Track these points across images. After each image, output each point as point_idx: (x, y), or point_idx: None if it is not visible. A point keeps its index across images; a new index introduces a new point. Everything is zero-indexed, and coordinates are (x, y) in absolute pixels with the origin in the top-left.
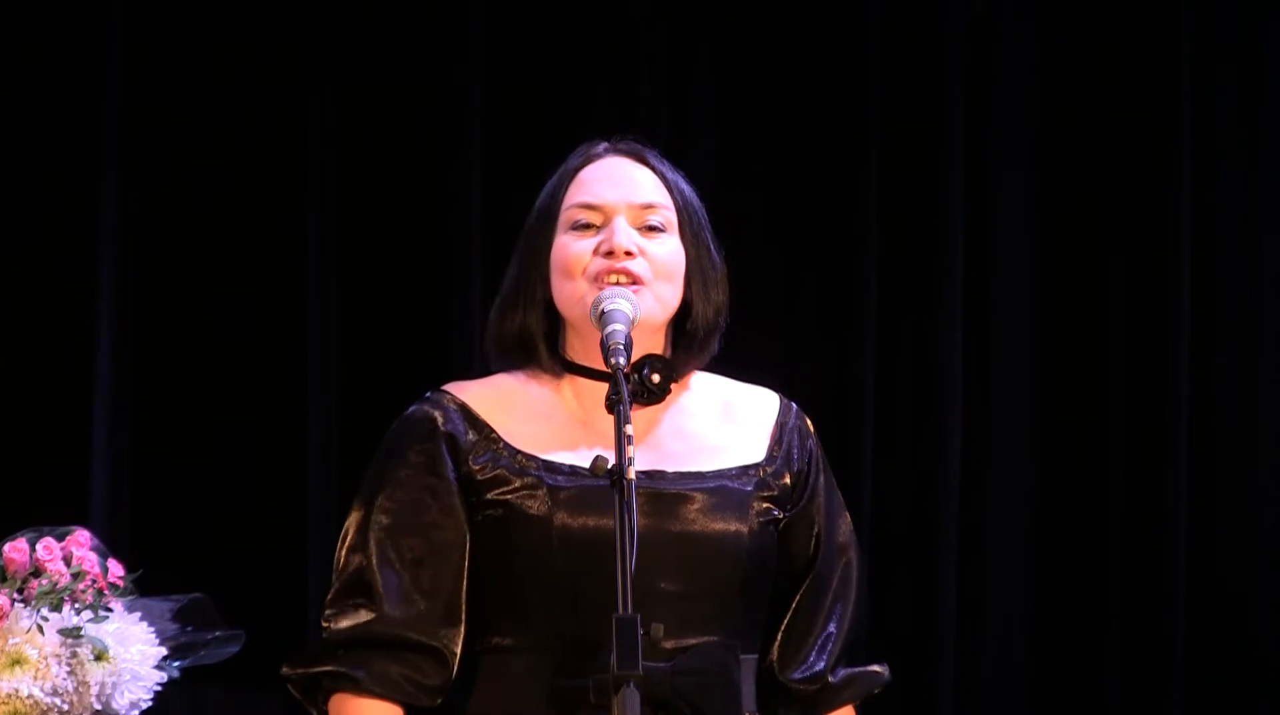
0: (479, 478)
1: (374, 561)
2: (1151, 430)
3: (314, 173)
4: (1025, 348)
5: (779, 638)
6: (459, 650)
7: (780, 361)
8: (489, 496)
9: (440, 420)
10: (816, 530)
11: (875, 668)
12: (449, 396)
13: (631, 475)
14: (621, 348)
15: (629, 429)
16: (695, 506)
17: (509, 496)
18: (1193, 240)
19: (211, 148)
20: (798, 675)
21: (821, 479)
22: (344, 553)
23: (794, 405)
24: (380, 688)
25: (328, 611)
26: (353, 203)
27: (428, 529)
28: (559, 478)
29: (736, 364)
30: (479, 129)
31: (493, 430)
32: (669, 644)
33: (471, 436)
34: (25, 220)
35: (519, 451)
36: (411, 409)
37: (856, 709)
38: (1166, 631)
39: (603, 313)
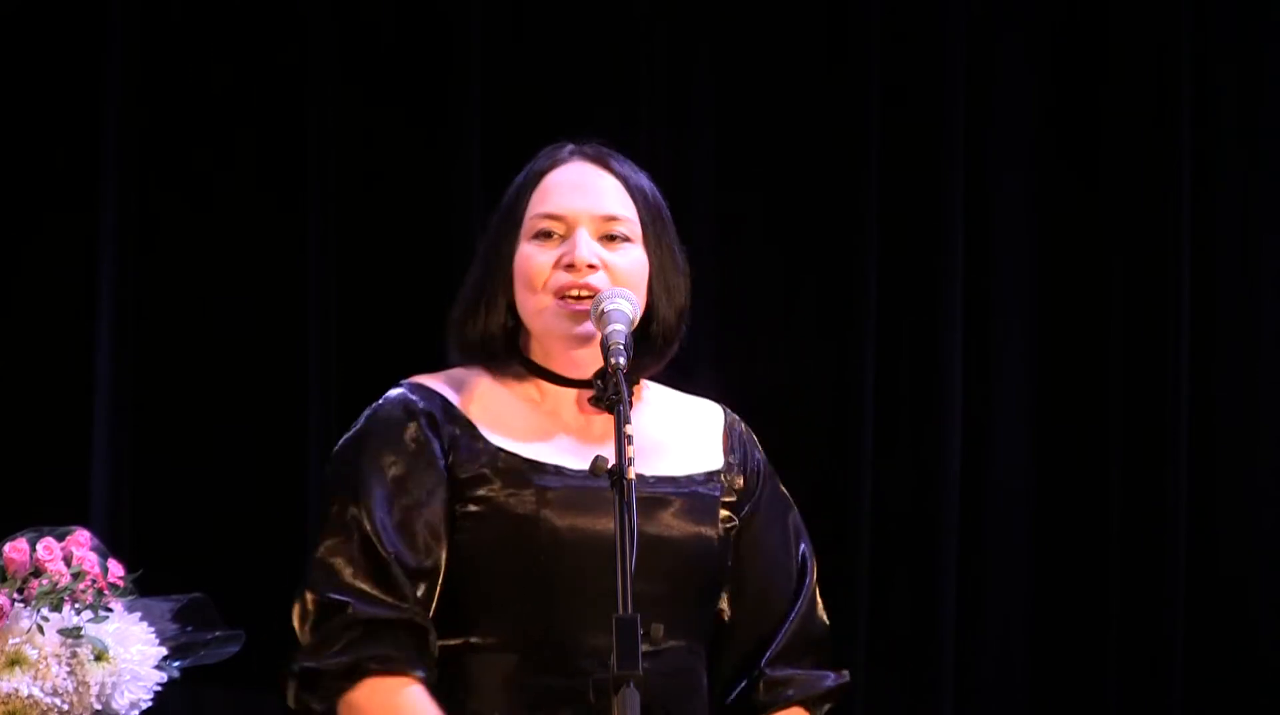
0: (461, 475)
1: (386, 551)
2: (1151, 430)
3: (314, 173)
4: (1025, 348)
5: (734, 635)
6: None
7: (780, 361)
8: (471, 493)
9: (425, 408)
10: (762, 534)
11: (827, 672)
12: (425, 388)
13: (631, 475)
14: (621, 347)
15: (629, 429)
16: (671, 511)
17: (493, 494)
18: (1193, 240)
19: (211, 148)
20: (757, 670)
21: (769, 486)
22: (344, 537)
23: (735, 415)
24: (411, 667)
25: (344, 598)
26: (353, 203)
27: (426, 519)
28: (547, 477)
29: (736, 364)
30: (479, 129)
31: (473, 425)
32: (645, 647)
33: (454, 430)
34: (25, 220)
35: (501, 449)
36: (388, 401)
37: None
38: (1166, 631)
39: (603, 312)
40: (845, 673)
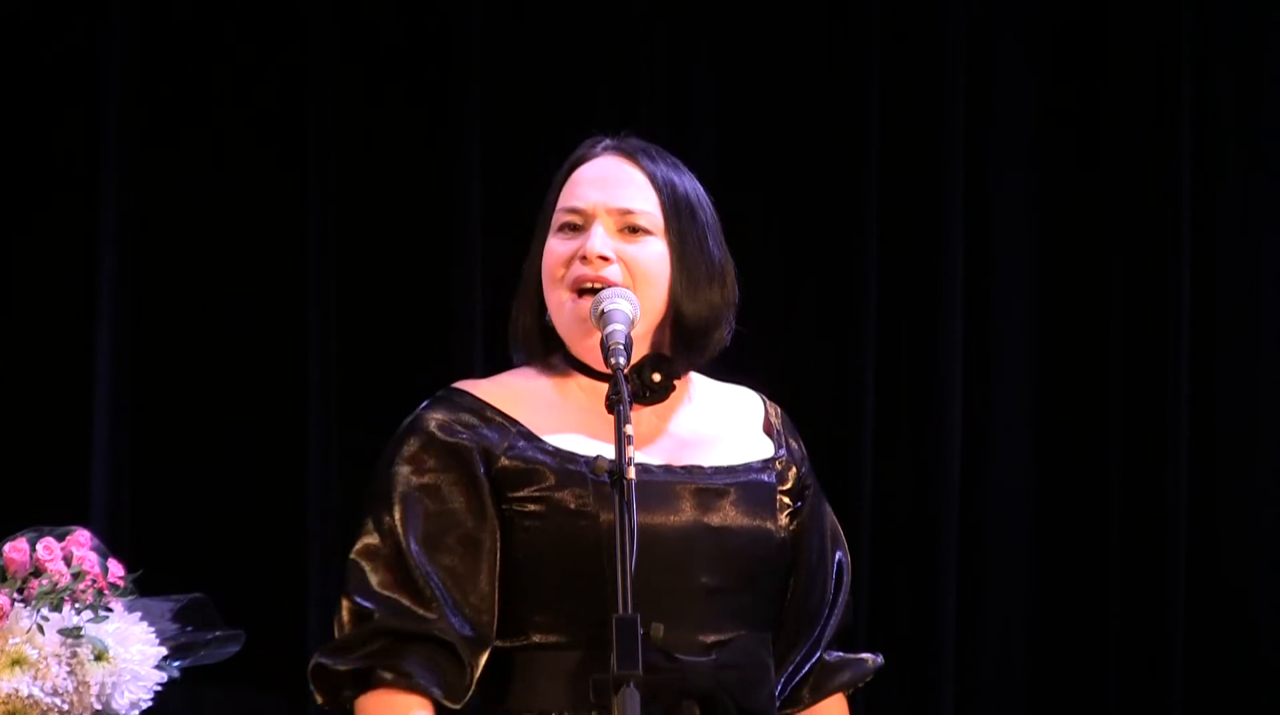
0: (513, 472)
1: (418, 562)
2: (1151, 430)
3: (314, 173)
4: (1025, 348)
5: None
6: (483, 660)
7: (780, 362)
8: (527, 492)
9: (465, 418)
10: (810, 523)
11: (866, 656)
12: (468, 395)
13: (631, 475)
14: (621, 347)
15: (629, 429)
16: (731, 500)
17: (548, 492)
18: (1193, 240)
19: (211, 148)
20: (798, 658)
21: (811, 474)
22: (379, 542)
23: (772, 402)
24: (426, 684)
25: (369, 605)
26: (353, 203)
27: (464, 531)
28: (601, 474)
29: (736, 363)
30: (479, 129)
31: (521, 425)
32: (709, 638)
33: (498, 433)
34: (25, 220)
35: (555, 446)
36: (429, 408)
37: (848, 699)
38: (1166, 631)
39: (603, 312)
40: (879, 655)
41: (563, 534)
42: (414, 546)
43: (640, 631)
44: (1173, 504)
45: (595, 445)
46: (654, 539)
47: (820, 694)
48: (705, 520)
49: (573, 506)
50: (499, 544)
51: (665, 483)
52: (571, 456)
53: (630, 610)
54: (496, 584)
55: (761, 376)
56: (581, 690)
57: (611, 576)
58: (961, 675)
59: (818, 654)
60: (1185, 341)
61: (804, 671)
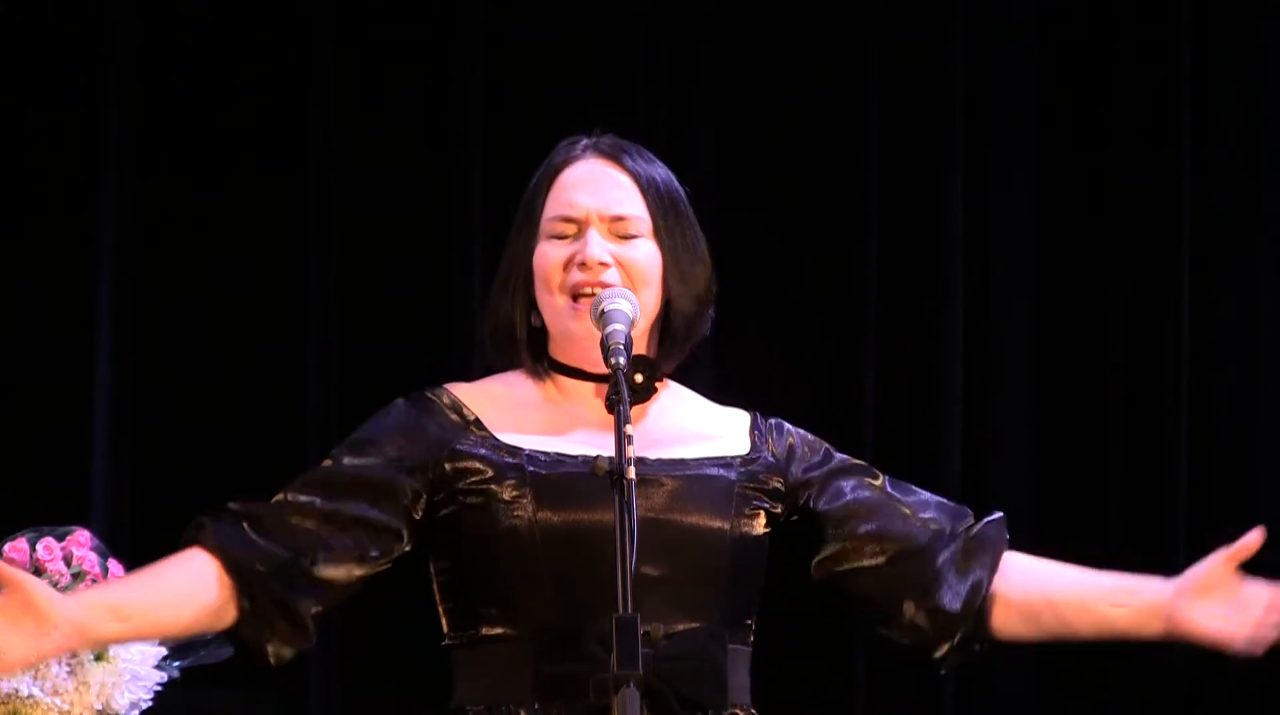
0: (460, 462)
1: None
2: (1151, 430)
3: (315, 174)
4: (1025, 348)
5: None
6: (332, 570)
7: (780, 363)
8: (468, 484)
9: (429, 401)
10: (848, 470)
11: (971, 522)
12: (441, 390)
13: (631, 475)
14: (621, 348)
15: (629, 429)
16: (673, 492)
17: (486, 486)
18: (1193, 240)
19: (212, 148)
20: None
21: (823, 447)
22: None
23: (765, 416)
24: (219, 545)
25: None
26: (353, 204)
27: (382, 457)
28: (540, 468)
29: (736, 363)
30: (479, 130)
31: (479, 420)
32: (659, 629)
33: (458, 422)
34: (25, 220)
35: (501, 442)
36: (413, 392)
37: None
38: None
39: (603, 312)
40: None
41: (500, 528)
42: (334, 461)
43: (641, 630)
44: (1173, 504)
45: (553, 444)
46: (585, 533)
47: (986, 575)
48: (644, 512)
49: (508, 500)
50: (407, 502)
51: (586, 475)
52: (515, 451)
53: (630, 610)
54: (377, 514)
55: (760, 376)
56: (533, 683)
57: (552, 569)
58: (962, 674)
59: (948, 576)
60: (1185, 341)
61: (967, 588)
